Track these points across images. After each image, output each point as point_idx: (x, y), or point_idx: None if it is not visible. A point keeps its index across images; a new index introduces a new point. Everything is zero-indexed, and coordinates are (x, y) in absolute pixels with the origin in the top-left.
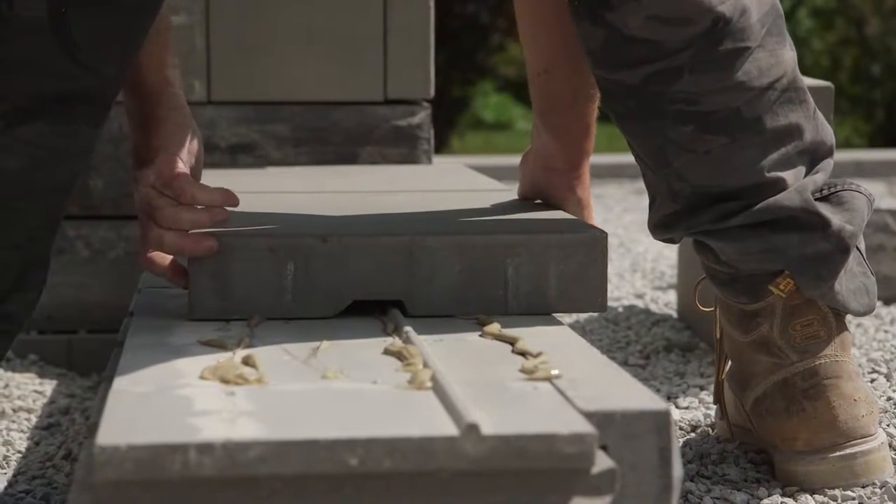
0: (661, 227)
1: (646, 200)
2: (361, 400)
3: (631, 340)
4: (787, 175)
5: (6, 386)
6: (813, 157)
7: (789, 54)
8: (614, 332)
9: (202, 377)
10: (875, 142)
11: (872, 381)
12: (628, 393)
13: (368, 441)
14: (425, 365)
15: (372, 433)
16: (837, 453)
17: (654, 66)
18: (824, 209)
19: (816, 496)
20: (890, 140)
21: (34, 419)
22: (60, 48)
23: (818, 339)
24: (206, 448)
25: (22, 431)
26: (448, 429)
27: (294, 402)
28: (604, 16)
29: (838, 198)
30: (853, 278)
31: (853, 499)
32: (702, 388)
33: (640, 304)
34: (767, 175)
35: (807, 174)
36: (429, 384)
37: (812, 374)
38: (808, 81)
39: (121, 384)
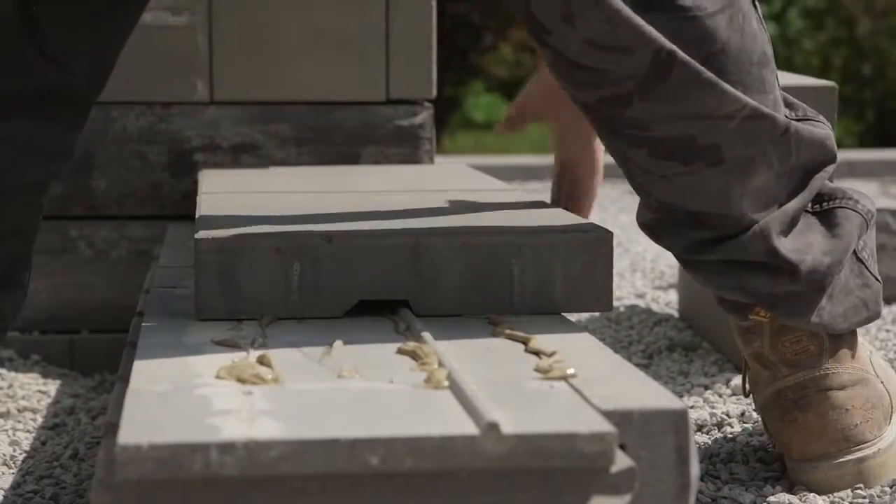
0: (646, 227)
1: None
2: (379, 399)
3: (633, 340)
4: (754, 209)
5: (10, 386)
6: (801, 174)
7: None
8: (616, 331)
9: (218, 377)
10: (865, 141)
11: None
12: (645, 392)
13: (389, 440)
14: (440, 364)
15: (392, 432)
16: (828, 462)
17: (603, 92)
18: (800, 243)
19: (824, 495)
20: (880, 140)
21: (39, 419)
22: (29, 45)
23: (809, 353)
24: (227, 447)
25: (28, 431)
26: (468, 428)
27: (312, 401)
28: (546, 39)
29: (831, 217)
30: (846, 296)
31: (863, 497)
32: (706, 388)
33: (641, 303)
34: (732, 207)
35: (791, 195)
36: (445, 383)
37: (802, 387)
38: (810, 82)
39: (138, 383)
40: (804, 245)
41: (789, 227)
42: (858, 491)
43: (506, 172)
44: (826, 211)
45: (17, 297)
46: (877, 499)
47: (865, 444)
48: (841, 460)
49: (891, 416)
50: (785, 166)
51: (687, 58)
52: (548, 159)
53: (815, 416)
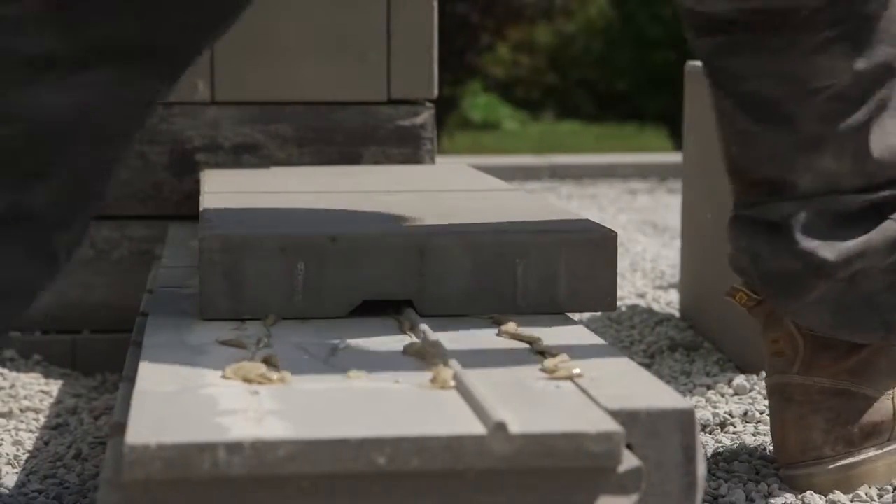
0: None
1: (638, 201)
2: (386, 399)
3: (635, 340)
4: (806, 181)
5: (12, 386)
6: (880, 173)
7: (854, 66)
8: (618, 331)
9: (225, 376)
10: None
11: None
12: (651, 391)
13: (397, 440)
14: (446, 364)
15: (400, 432)
16: (786, 471)
17: (717, 40)
18: (829, 235)
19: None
20: None
21: (42, 419)
22: None
23: (783, 356)
24: (235, 447)
25: (31, 431)
26: (475, 428)
27: (319, 401)
28: None
29: (882, 220)
30: (863, 310)
31: (863, 500)
32: (708, 388)
33: (641, 303)
34: (786, 175)
35: (861, 191)
36: (451, 383)
37: (772, 390)
38: None
39: (145, 384)
40: (833, 238)
41: (832, 217)
42: (859, 493)
43: (505, 172)
44: (890, 211)
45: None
46: (876, 499)
47: (820, 460)
48: (792, 472)
49: (886, 435)
50: (860, 163)
51: (800, 16)
52: (546, 159)
53: (778, 423)
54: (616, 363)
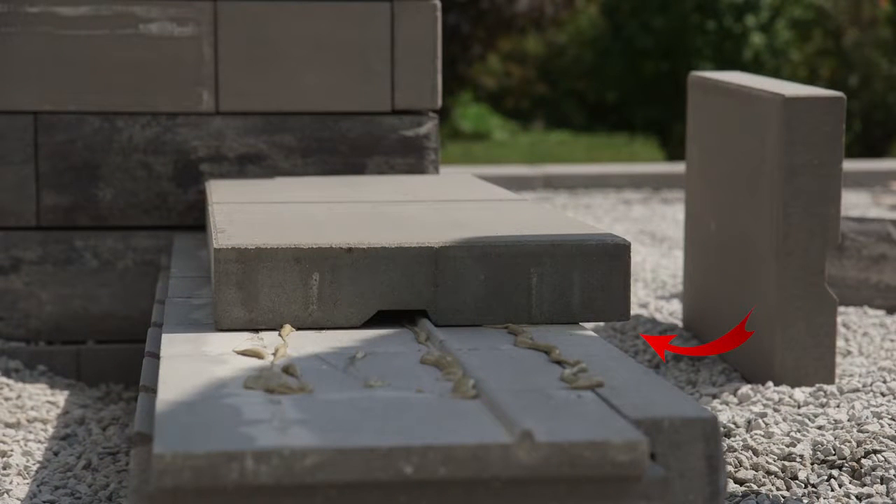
0: None
1: (633, 211)
2: (409, 408)
3: (640, 350)
4: None
5: (18, 397)
6: None
7: None
8: (622, 341)
9: (246, 386)
10: (852, 152)
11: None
12: (673, 401)
13: (424, 449)
14: (465, 374)
15: (427, 441)
16: None
17: None
18: None
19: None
20: (866, 150)
21: (50, 429)
22: None
23: None
24: (262, 456)
25: (39, 442)
26: (501, 436)
27: (342, 410)
28: None
29: None
30: None
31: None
32: (714, 397)
33: (644, 313)
34: None
35: None
36: (472, 392)
37: None
38: (819, 92)
39: (167, 394)
40: None
41: None
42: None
43: (498, 182)
44: None
45: None
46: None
47: None
48: None
49: None
50: None
51: None
52: (539, 169)
53: None
54: (634, 373)
